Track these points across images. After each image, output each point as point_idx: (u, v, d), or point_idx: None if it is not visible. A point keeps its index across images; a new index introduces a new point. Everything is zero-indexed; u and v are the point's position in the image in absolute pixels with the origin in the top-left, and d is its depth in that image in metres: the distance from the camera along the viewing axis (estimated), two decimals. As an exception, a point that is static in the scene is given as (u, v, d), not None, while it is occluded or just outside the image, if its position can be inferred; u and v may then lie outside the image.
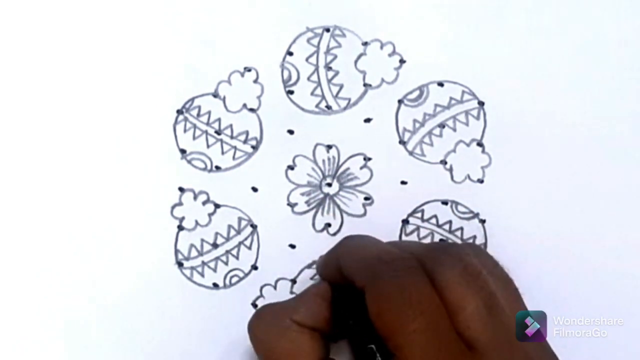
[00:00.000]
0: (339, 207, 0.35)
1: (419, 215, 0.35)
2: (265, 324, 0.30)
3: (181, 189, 0.35)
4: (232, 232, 0.35)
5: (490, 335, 0.26)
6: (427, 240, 0.35)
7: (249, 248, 0.35)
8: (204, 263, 0.35)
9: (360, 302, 0.28)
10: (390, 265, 0.27)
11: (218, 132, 0.36)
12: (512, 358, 0.26)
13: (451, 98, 0.36)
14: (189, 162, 0.35)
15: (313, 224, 0.35)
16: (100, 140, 0.35)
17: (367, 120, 0.36)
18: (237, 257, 0.35)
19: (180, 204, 0.35)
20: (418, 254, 0.28)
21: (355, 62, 0.36)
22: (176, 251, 0.35)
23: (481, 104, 0.36)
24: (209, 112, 0.36)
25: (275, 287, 0.35)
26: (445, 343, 0.25)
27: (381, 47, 0.36)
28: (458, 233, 0.35)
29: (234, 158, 0.35)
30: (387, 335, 0.26)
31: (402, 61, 0.36)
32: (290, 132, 0.36)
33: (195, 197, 0.35)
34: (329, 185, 0.35)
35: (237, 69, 0.36)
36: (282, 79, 0.36)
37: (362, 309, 0.27)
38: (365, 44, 0.36)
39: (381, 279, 0.27)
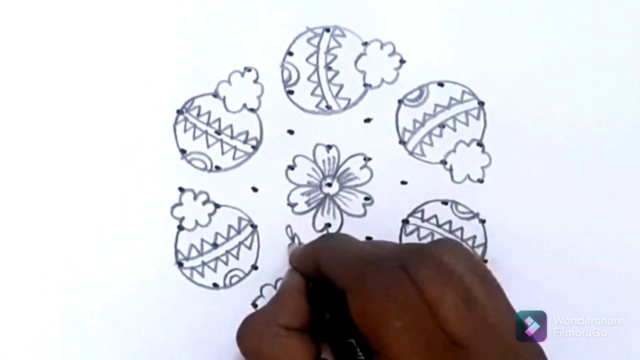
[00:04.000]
0: (339, 207, 0.35)
1: (419, 215, 0.35)
2: (254, 335, 0.30)
3: (181, 189, 0.35)
4: (232, 232, 0.35)
5: (471, 329, 0.26)
6: (427, 240, 0.35)
7: (249, 248, 0.35)
8: (204, 263, 0.35)
9: (337, 297, 0.28)
10: (373, 266, 0.28)
11: (218, 132, 0.36)
12: (496, 350, 0.26)
13: (451, 98, 0.36)
14: (189, 162, 0.35)
15: (313, 224, 0.35)
16: (100, 141, 0.35)
17: (367, 120, 0.36)
18: (237, 257, 0.35)
19: (180, 204, 0.35)
20: (396, 255, 0.28)
21: (355, 62, 0.36)
22: (176, 251, 0.35)
23: (481, 104, 0.36)
24: (209, 112, 0.36)
25: (275, 287, 0.35)
26: (431, 339, 0.25)
27: (381, 47, 0.36)
28: (458, 233, 0.35)
29: (234, 158, 0.35)
30: (372, 334, 0.26)
31: (402, 61, 0.36)
32: (290, 132, 0.36)
33: (195, 197, 0.35)
34: (329, 185, 0.35)
35: (237, 69, 0.36)
36: (282, 79, 0.36)
37: (339, 304, 0.28)
38: (365, 44, 0.36)
39: (364, 280, 0.27)
